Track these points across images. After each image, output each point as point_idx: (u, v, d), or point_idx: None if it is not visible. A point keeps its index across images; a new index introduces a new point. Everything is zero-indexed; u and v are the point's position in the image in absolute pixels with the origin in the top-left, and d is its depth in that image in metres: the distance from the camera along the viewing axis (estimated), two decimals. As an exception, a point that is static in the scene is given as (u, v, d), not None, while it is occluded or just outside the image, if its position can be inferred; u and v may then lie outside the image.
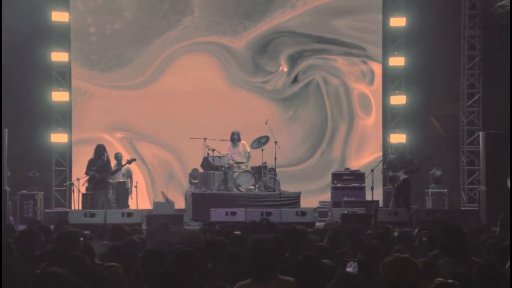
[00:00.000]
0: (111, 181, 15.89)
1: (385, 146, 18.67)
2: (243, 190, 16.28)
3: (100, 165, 15.58)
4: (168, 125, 18.37)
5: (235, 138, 16.83)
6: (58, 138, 17.95)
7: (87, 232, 8.71)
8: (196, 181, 17.04)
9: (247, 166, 16.74)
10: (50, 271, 4.72)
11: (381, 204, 17.49)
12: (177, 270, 4.60)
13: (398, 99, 18.77)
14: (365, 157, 18.79)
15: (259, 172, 16.47)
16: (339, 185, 16.98)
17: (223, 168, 16.41)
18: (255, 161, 16.73)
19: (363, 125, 19.01)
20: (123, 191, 16.41)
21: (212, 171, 16.40)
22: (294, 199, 16.26)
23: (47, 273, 4.70)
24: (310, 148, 18.90)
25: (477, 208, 16.15)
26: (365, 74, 19.00)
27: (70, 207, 17.17)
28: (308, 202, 17.34)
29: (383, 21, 18.80)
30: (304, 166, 18.83)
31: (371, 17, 18.96)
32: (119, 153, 16.96)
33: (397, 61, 18.71)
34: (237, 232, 7.35)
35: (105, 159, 15.72)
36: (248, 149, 16.88)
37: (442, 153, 18.49)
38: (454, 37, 19.18)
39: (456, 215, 8.79)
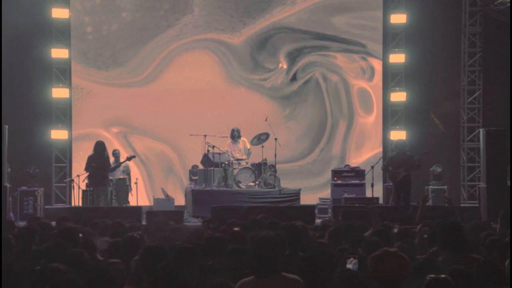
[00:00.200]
0: (110, 177, 15.89)
1: (385, 143, 18.67)
2: (243, 186, 16.28)
3: (99, 162, 15.56)
4: (168, 122, 18.36)
5: (235, 135, 16.82)
6: (58, 134, 17.95)
7: (88, 228, 8.68)
8: (196, 177, 17.05)
9: (247, 163, 16.74)
10: (50, 267, 4.72)
11: (381, 200, 17.50)
12: (177, 266, 4.59)
13: (399, 96, 18.75)
14: (365, 154, 18.79)
15: (259, 169, 16.47)
16: (339, 182, 16.98)
17: (223, 165, 16.40)
18: (255, 158, 16.73)
19: (363, 122, 18.99)
20: (123, 188, 16.43)
21: (212, 168, 16.42)
22: (294, 196, 16.26)
23: (47, 269, 4.70)
24: (310, 145, 18.89)
25: (477, 205, 16.14)
26: (364, 70, 18.98)
27: (70, 203, 17.19)
28: (308, 199, 17.38)
29: (383, 17, 18.78)
30: (304, 163, 18.83)
31: (371, 14, 18.93)
32: (116, 149, 16.96)
33: (398, 58, 18.69)
34: (236, 229, 7.34)
35: (105, 156, 15.71)
36: (248, 146, 16.88)
37: (443, 150, 18.48)
38: (455, 34, 19.18)
39: (456, 211, 8.75)
